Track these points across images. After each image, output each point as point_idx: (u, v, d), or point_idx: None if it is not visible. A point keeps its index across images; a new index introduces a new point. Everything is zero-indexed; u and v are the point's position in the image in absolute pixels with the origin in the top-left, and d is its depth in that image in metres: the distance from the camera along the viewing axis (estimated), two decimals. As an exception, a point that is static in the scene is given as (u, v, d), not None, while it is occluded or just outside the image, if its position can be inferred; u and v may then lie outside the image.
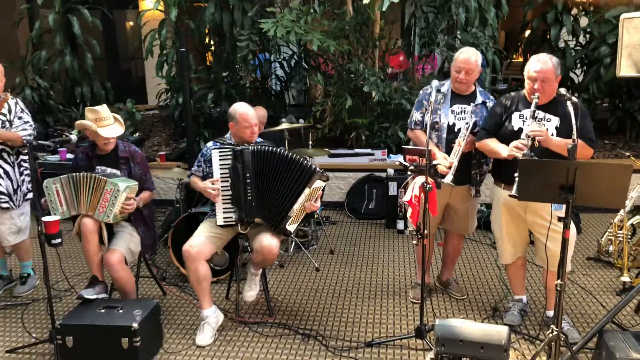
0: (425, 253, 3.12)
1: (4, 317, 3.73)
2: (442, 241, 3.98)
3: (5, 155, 3.73)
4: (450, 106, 3.38)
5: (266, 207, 3.29)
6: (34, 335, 3.44)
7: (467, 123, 3.32)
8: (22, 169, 3.85)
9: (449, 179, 3.14)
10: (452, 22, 6.00)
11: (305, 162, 3.25)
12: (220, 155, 3.29)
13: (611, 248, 4.19)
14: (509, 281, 3.59)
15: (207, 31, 6.68)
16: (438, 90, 3.36)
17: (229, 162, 3.28)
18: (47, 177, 3.44)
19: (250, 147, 3.28)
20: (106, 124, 3.38)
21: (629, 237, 4.02)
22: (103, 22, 7.57)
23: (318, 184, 3.25)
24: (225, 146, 3.34)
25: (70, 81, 7.11)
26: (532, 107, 2.98)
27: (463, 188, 3.48)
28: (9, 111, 3.72)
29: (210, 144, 3.50)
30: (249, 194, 3.27)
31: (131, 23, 10.17)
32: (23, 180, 3.86)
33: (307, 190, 3.23)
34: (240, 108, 3.37)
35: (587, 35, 6.50)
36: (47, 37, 7.06)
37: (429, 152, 3.02)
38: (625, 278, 3.82)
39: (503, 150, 3.05)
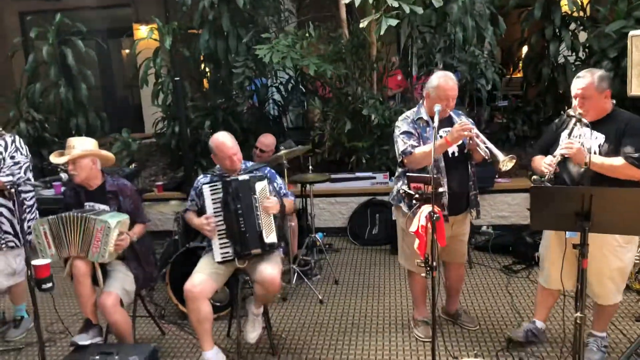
0: (417, 285, 2.98)
1: (-5, 364, 3.57)
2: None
3: (6, 194, 3.60)
4: (437, 132, 3.24)
5: (254, 235, 3.16)
6: (27, 384, 3.28)
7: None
8: (24, 207, 3.73)
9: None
10: (449, 41, 5.92)
11: (240, 177, 3.19)
12: (211, 191, 3.19)
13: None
14: (536, 303, 3.40)
15: (202, 58, 6.61)
16: (420, 119, 3.26)
17: (220, 195, 3.16)
18: (43, 213, 3.31)
19: (239, 178, 3.17)
20: (66, 152, 3.23)
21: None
22: (98, 52, 7.51)
23: (260, 186, 3.17)
24: (215, 180, 3.25)
25: (65, 113, 7.02)
26: (571, 125, 2.87)
27: (462, 215, 3.39)
28: (5, 148, 3.62)
29: (201, 177, 3.42)
30: (242, 226, 3.14)
31: (127, 51, 10.15)
32: (25, 219, 3.70)
33: (256, 197, 3.14)
34: (216, 140, 3.26)
35: (587, 50, 6.42)
36: (41, 69, 7.00)
37: (435, 180, 2.89)
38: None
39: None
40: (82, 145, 3.29)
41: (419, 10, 4.67)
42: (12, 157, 3.62)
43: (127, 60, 10.23)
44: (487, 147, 3.10)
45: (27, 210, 3.77)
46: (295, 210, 3.70)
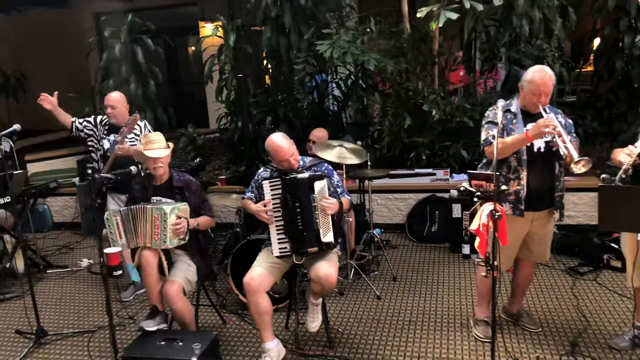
0: (484, 284, 2.91)
1: (72, 345, 3.81)
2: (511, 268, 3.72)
3: None
4: (524, 126, 3.16)
5: (311, 233, 3.19)
6: (98, 364, 3.49)
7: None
8: None
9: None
10: (514, 34, 5.73)
11: (299, 176, 3.20)
12: (271, 186, 3.25)
13: None
14: (635, 305, 3.25)
15: (264, 55, 6.73)
16: (508, 110, 3.18)
17: (279, 191, 3.22)
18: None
19: (297, 176, 3.21)
20: (154, 147, 3.41)
21: None
22: (166, 49, 7.80)
23: (319, 185, 3.16)
24: (275, 175, 3.32)
25: (135, 108, 7.34)
26: None
27: (544, 213, 3.28)
28: (141, 132, 4.20)
29: (261, 170, 3.49)
30: (300, 224, 3.18)
31: (193, 49, 10.47)
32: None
33: (314, 196, 3.14)
34: (272, 143, 3.30)
35: (665, 42, 6.05)
36: (114, 66, 7.35)
37: (497, 177, 2.83)
38: None
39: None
40: (162, 139, 3.46)
41: (480, 6, 4.55)
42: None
43: (194, 57, 10.56)
44: (566, 147, 3.00)
45: None
46: (350, 208, 3.71)
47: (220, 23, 6.52)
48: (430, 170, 5.74)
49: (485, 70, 6.18)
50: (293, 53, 6.07)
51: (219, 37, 6.55)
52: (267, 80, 7.24)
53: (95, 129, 4.44)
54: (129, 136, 4.21)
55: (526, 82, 3.13)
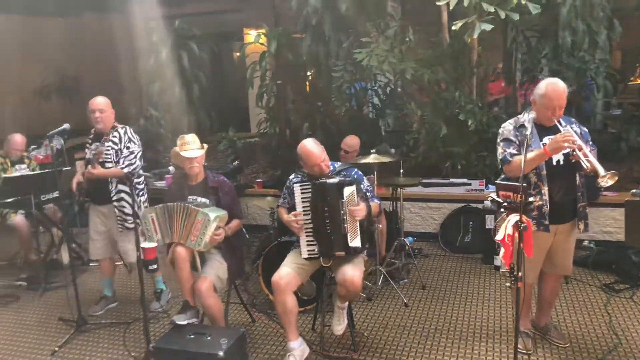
0: (520, 296, 2.90)
1: (108, 334, 4.00)
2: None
3: (125, 181, 4.01)
4: (540, 140, 3.13)
5: (339, 237, 3.26)
6: (133, 354, 3.65)
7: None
8: (137, 191, 4.18)
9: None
10: (557, 46, 5.65)
11: (328, 181, 3.29)
12: (301, 190, 3.35)
13: None
14: None
15: (304, 62, 6.85)
16: (522, 126, 3.17)
17: (309, 195, 3.31)
18: (154, 203, 3.69)
19: (327, 181, 3.29)
20: (189, 147, 3.57)
21: None
22: (210, 55, 8.05)
23: (348, 191, 3.23)
24: (305, 180, 3.40)
25: (178, 111, 7.60)
26: None
27: (567, 225, 3.25)
28: (120, 140, 4.08)
29: (292, 176, 3.58)
30: (328, 228, 3.26)
31: (237, 55, 10.73)
32: (140, 201, 4.21)
33: (343, 201, 3.22)
34: (304, 149, 3.38)
35: None
36: (160, 70, 7.63)
37: (524, 189, 2.83)
38: None
39: None
40: (196, 141, 3.62)
41: (516, 16, 4.53)
42: (128, 148, 4.07)
43: (238, 63, 10.81)
44: (588, 161, 2.96)
45: (140, 193, 4.21)
46: (379, 213, 3.76)
47: (263, 30, 6.70)
48: (465, 180, 5.71)
49: (525, 82, 6.11)
50: (332, 61, 6.17)
51: (261, 44, 6.72)
52: (307, 87, 7.37)
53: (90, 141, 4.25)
54: (106, 144, 4.04)
55: (539, 96, 3.09)
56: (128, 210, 4.11)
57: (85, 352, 3.74)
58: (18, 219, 5.11)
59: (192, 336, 3.22)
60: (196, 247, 3.39)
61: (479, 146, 5.76)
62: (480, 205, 5.41)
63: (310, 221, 3.33)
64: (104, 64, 9.68)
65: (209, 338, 3.18)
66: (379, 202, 3.56)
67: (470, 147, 5.75)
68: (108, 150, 4.04)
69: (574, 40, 5.44)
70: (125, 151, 4.05)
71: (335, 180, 3.30)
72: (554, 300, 3.62)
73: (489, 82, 6.32)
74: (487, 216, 5.10)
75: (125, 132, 4.11)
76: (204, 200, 3.58)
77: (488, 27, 4.51)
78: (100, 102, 4.08)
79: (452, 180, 5.75)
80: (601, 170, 2.85)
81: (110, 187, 4.09)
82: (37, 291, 4.83)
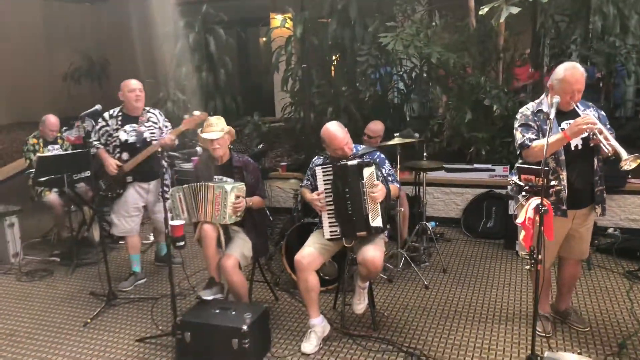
0: (540, 279, 2.92)
1: (137, 308, 4.15)
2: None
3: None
4: (559, 125, 3.12)
5: (360, 218, 3.31)
6: (160, 327, 3.79)
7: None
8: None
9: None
10: (586, 30, 5.56)
11: (349, 163, 3.32)
12: (323, 173, 3.41)
13: None
14: None
15: (329, 47, 6.88)
16: (540, 111, 3.16)
17: (331, 177, 3.37)
18: (181, 183, 3.82)
19: (348, 163, 3.34)
20: (210, 130, 3.68)
21: None
22: (237, 40, 8.13)
23: (367, 172, 3.28)
24: (327, 162, 3.47)
25: (205, 95, 7.72)
26: None
27: (585, 210, 3.25)
28: (157, 120, 4.46)
29: (315, 158, 3.65)
30: (349, 209, 3.32)
31: (263, 39, 10.79)
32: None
33: (363, 182, 3.26)
34: (327, 132, 3.43)
35: None
36: (187, 55, 7.75)
37: (546, 172, 2.84)
38: None
39: None
40: (220, 123, 3.71)
41: None
42: (166, 126, 4.48)
43: (264, 47, 10.88)
44: (610, 144, 2.95)
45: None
46: (398, 196, 3.80)
47: (289, 15, 6.74)
48: (489, 166, 5.71)
49: (553, 67, 6.03)
50: (357, 45, 6.18)
51: (287, 28, 6.76)
52: (332, 72, 7.39)
53: (108, 126, 4.37)
54: (147, 124, 4.36)
55: (557, 81, 3.07)
56: (167, 182, 4.40)
57: (115, 325, 3.90)
58: (52, 196, 5.32)
59: (217, 310, 3.34)
60: (222, 220, 3.49)
61: (503, 132, 5.73)
62: (503, 191, 5.40)
63: (332, 203, 3.40)
64: (132, 48, 9.86)
65: (233, 313, 3.29)
66: (399, 186, 3.60)
67: (495, 133, 5.73)
68: (151, 129, 4.38)
69: (604, 24, 5.35)
70: (168, 125, 4.50)
71: (355, 162, 3.34)
72: (573, 285, 3.63)
73: (515, 67, 6.24)
74: (510, 202, 5.09)
75: (159, 112, 4.52)
76: (228, 180, 3.67)
77: (515, 10, 4.47)
78: (137, 83, 4.35)
79: (475, 165, 5.75)
80: (623, 153, 2.84)
81: (162, 162, 4.20)
82: (69, 267, 5.02)
